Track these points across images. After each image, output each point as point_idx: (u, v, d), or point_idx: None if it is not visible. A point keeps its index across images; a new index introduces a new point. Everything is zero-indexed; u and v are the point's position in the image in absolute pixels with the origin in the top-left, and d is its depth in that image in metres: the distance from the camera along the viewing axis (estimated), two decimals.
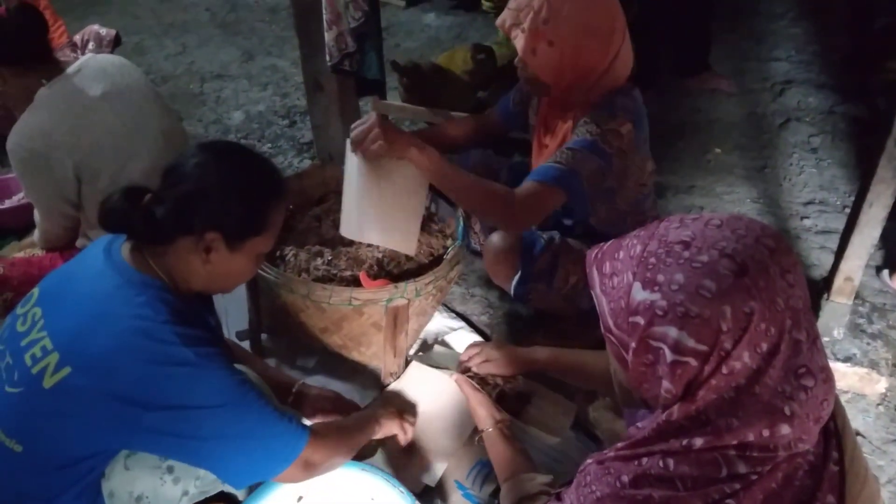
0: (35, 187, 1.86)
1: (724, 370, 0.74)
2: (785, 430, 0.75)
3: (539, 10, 1.54)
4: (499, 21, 1.64)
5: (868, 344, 2.05)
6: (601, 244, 0.90)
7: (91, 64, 1.86)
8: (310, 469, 1.24)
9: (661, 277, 0.77)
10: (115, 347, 1.09)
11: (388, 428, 1.53)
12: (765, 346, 0.74)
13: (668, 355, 0.76)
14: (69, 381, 1.09)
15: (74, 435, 1.13)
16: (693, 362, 0.75)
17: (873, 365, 1.97)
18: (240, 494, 1.49)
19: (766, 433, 0.75)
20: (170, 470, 1.25)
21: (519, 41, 1.60)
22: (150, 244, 1.19)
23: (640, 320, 0.78)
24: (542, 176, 1.58)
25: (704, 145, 3.12)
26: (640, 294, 0.78)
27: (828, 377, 0.79)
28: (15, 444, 1.14)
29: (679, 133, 3.21)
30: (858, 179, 1.90)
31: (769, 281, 0.74)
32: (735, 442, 0.76)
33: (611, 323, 0.84)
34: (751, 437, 0.75)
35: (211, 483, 1.32)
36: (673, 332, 0.75)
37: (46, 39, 1.79)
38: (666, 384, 0.78)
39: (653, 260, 0.78)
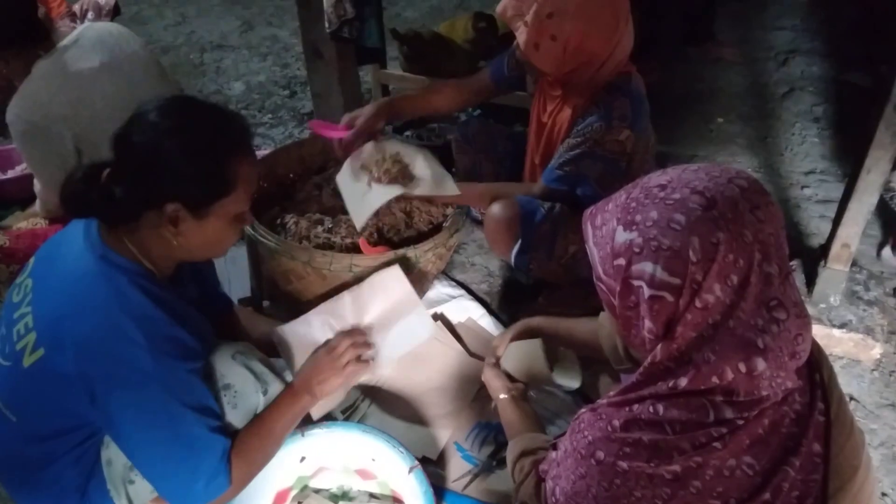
0: (35, 158, 1.87)
1: (699, 304, 0.77)
2: (760, 364, 0.77)
3: (543, 4, 1.53)
4: (499, 9, 1.63)
5: (864, 311, 2.07)
6: (597, 204, 0.92)
7: (88, 34, 1.84)
8: (229, 494, 1.19)
9: (638, 217, 0.80)
10: (86, 339, 1.06)
11: (311, 392, 1.36)
12: (735, 279, 0.76)
13: (646, 291, 0.79)
14: (43, 364, 1.09)
15: (55, 410, 1.14)
16: (669, 297, 0.78)
17: (868, 331, 1.99)
18: None
19: (742, 367, 0.77)
20: None
21: (521, 34, 1.59)
22: (118, 224, 1.14)
23: (622, 261, 0.81)
24: (553, 182, 1.69)
25: (707, 115, 3.11)
26: (621, 236, 0.82)
27: (801, 312, 0.81)
28: (10, 414, 1.17)
29: (682, 102, 3.20)
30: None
31: (737, 214, 0.77)
32: (716, 380, 0.78)
33: (601, 271, 0.87)
34: (729, 375, 0.77)
35: None
36: (648, 266, 0.79)
37: (37, 15, 1.77)
38: (647, 323, 0.81)
39: (633, 204, 0.82)
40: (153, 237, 1.14)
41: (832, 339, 1.93)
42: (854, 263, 2.19)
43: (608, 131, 1.62)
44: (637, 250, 0.80)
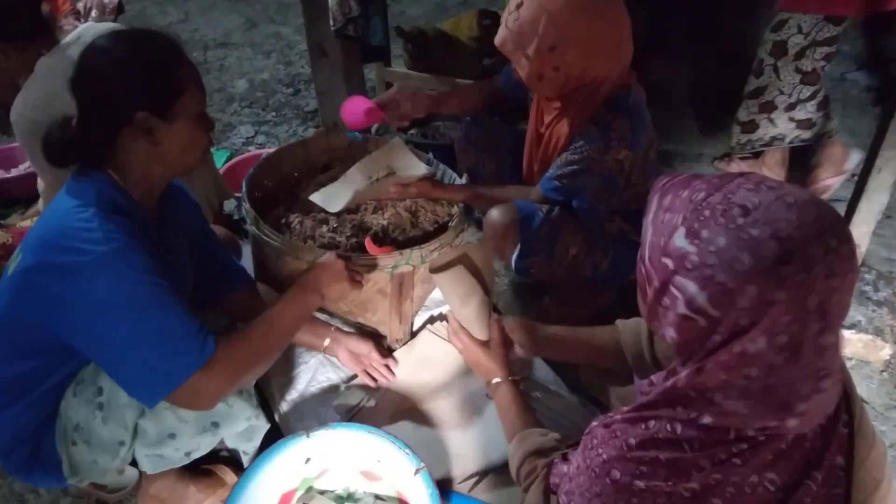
0: (39, 157, 1.86)
1: (737, 348, 0.73)
2: (792, 423, 0.76)
3: (545, 38, 1.50)
4: (498, 41, 1.60)
5: (873, 311, 2.05)
6: (674, 173, 0.87)
7: (90, 32, 1.83)
8: (208, 383, 1.12)
9: (705, 233, 0.74)
10: (47, 227, 1.16)
11: (320, 292, 1.39)
12: (784, 339, 0.71)
13: (681, 307, 0.76)
14: (20, 266, 1.17)
15: (23, 318, 1.18)
16: (702, 322, 0.74)
17: (878, 332, 1.97)
18: (245, 460, 1.52)
19: (773, 424, 0.76)
20: (100, 407, 1.24)
21: (522, 68, 1.58)
22: (103, 159, 1.21)
23: (670, 264, 0.77)
24: (551, 192, 1.70)
25: (713, 112, 3.08)
26: (680, 240, 0.76)
27: (842, 377, 0.79)
28: None
29: (687, 100, 3.18)
30: (868, 148, 1.89)
31: (809, 278, 0.70)
32: (741, 425, 0.77)
33: (647, 254, 0.83)
34: (757, 425, 0.76)
35: (167, 449, 1.30)
36: (693, 287, 0.74)
37: (40, 10, 1.77)
38: (671, 331, 0.79)
39: (707, 212, 0.75)
40: (134, 157, 1.20)
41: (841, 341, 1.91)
42: (863, 264, 2.17)
43: (606, 152, 1.61)
44: (689, 266, 0.75)
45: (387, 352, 1.78)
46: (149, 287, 1.11)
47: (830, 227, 0.72)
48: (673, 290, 0.77)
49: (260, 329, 1.24)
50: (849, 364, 1.87)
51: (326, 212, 1.85)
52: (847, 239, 0.73)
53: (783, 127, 2.38)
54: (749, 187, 0.76)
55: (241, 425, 1.36)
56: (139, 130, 1.17)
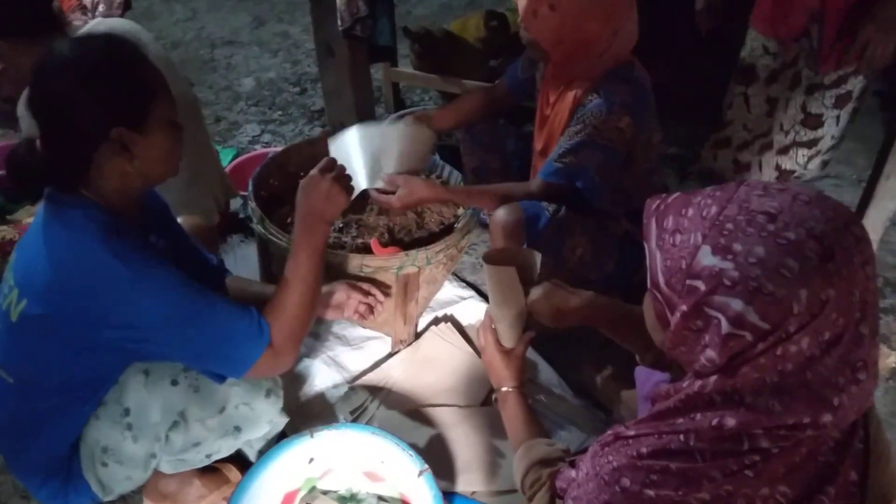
0: None
1: (778, 351, 0.71)
2: (827, 418, 0.73)
3: None
4: None
5: (881, 318, 2.04)
6: (663, 195, 0.84)
7: (100, 28, 1.84)
8: (279, 355, 1.20)
9: (737, 247, 0.72)
10: (55, 274, 1.10)
11: (322, 216, 1.29)
12: (827, 335, 0.71)
13: (725, 326, 0.72)
14: (28, 312, 1.14)
15: (46, 362, 1.18)
16: (749, 337, 0.72)
17: (884, 339, 1.96)
18: (251, 455, 1.52)
19: (806, 420, 0.73)
20: (129, 427, 1.25)
21: (522, 1, 1.59)
22: (77, 180, 1.15)
23: (702, 285, 0.73)
24: (551, 175, 1.66)
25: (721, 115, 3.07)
26: (708, 259, 0.73)
27: (876, 372, 0.76)
28: (7, 376, 1.23)
29: (693, 102, 3.16)
30: (876, 154, 1.88)
31: (851, 271, 0.70)
32: (770, 425, 0.74)
33: (661, 280, 0.79)
34: (789, 422, 0.73)
35: (180, 450, 1.33)
36: (738, 304, 0.71)
37: (50, 5, 1.77)
38: (710, 353, 0.75)
39: (730, 226, 0.73)
40: (110, 174, 1.14)
41: None
42: None
43: (608, 117, 1.60)
44: (728, 283, 0.71)
45: (365, 287, 1.64)
46: (187, 293, 1.13)
47: (851, 216, 0.73)
48: (710, 311, 0.73)
49: (288, 289, 1.23)
50: None
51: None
52: (864, 227, 0.74)
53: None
54: (759, 193, 0.75)
55: (262, 429, 1.39)
56: (115, 147, 1.11)
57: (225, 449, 1.38)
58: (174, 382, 1.25)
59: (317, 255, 1.26)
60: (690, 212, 0.77)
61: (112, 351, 1.17)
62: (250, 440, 1.48)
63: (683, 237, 0.76)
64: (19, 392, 1.23)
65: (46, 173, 1.14)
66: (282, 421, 1.46)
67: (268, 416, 1.37)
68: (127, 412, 1.24)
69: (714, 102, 2.56)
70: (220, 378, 1.21)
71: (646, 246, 0.82)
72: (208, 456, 1.37)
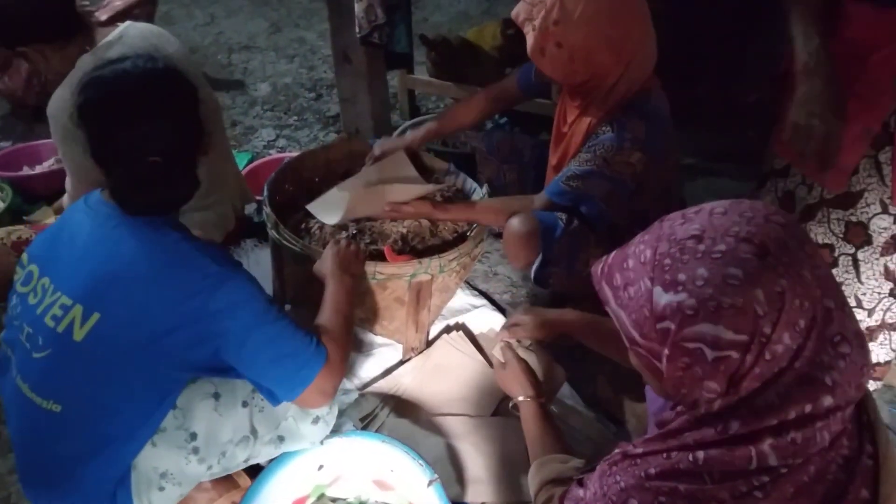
0: (71, 154, 1.86)
1: (768, 356, 0.72)
2: (827, 400, 0.73)
3: (550, 10, 1.49)
4: (513, 13, 1.60)
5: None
6: (603, 258, 0.87)
7: (132, 32, 1.84)
8: (332, 377, 1.25)
9: (682, 276, 0.74)
10: (149, 271, 1.13)
11: (349, 272, 1.52)
12: (803, 323, 0.72)
13: (709, 353, 0.73)
14: (100, 329, 1.12)
15: (110, 382, 1.15)
16: (735, 354, 0.73)
17: None
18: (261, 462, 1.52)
19: (808, 408, 0.73)
20: (195, 451, 1.26)
21: (529, 38, 1.57)
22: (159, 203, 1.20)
23: (670, 325, 0.75)
24: (556, 195, 1.66)
25: (740, 127, 3.05)
26: (663, 298, 0.75)
27: (862, 343, 0.76)
28: (53, 405, 1.16)
29: (710, 115, 3.15)
30: None
31: (791, 255, 0.73)
32: (775, 422, 0.74)
33: (636, 335, 0.80)
34: (792, 415, 0.73)
35: (234, 461, 1.34)
36: (708, 328, 0.72)
37: (74, 8, 1.77)
38: (709, 383, 0.75)
39: (668, 261, 0.76)
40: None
41: None
42: None
43: (618, 152, 1.58)
44: (690, 312, 0.73)
45: (350, 244, 1.64)
46: (264, 303, 1.20)
47: (767, 209, 0.77)
48: (688, 345, 0.75)
49: (335, 321, 1.35)
50: (870, 387, 1.83)
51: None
52: (786, 213, 0.78)
53: None
54: (680, 222, 0.79)
55: (303, 446, 1.40)
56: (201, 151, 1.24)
57: (264, 455, 1.38)
58: (244, 404, 1.30)
59: (349, 295, 1.45)
60: (630, 262, 0.81)
61: (175, 364, 1.16)
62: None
63: (634, 287, 0.79)
64: (68, 421, 1.17)
65: (171, 199, 1.22)
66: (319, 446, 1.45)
67: (311, 438, 1.39)
68: (193, 437, 1.25)
69: (730, 112, 2.54)
70: (275, 399, 1.23)
71: (609, 311, 0.85)
72: (246, 460, 1.37)
